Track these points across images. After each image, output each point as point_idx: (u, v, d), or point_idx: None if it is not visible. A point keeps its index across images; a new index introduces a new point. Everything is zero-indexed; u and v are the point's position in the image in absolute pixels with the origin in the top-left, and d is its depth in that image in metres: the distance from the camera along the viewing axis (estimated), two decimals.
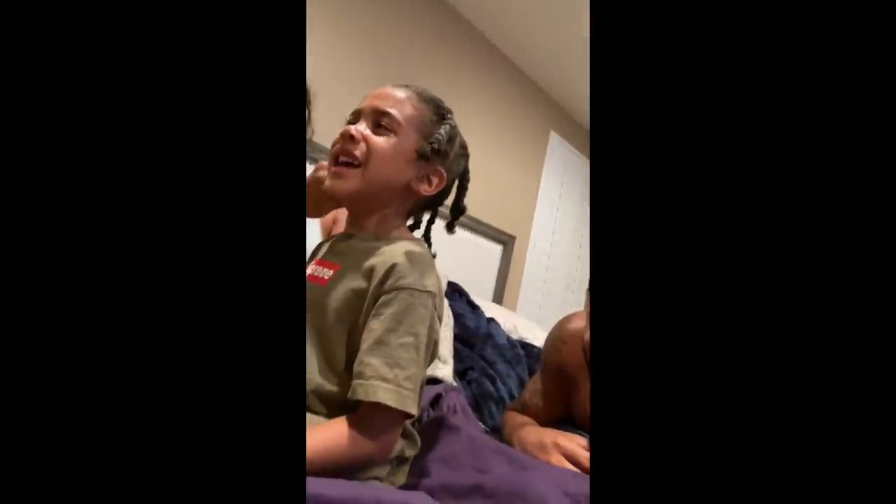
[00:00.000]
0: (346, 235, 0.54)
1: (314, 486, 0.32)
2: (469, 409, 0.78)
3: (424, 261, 0.47)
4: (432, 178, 0.52)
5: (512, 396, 0.97)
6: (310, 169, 0.58)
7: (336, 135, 0.51)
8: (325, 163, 0.53)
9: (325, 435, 0.41)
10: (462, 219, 0.60)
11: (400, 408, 0.41)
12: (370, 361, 0.42)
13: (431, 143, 0.51)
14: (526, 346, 1.26)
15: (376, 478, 0.47)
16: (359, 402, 0.43)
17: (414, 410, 0.42)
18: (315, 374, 0.47)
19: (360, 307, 0.46)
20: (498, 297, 2.18)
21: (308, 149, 0.96)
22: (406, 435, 0.52)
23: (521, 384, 1.03)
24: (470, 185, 0.59)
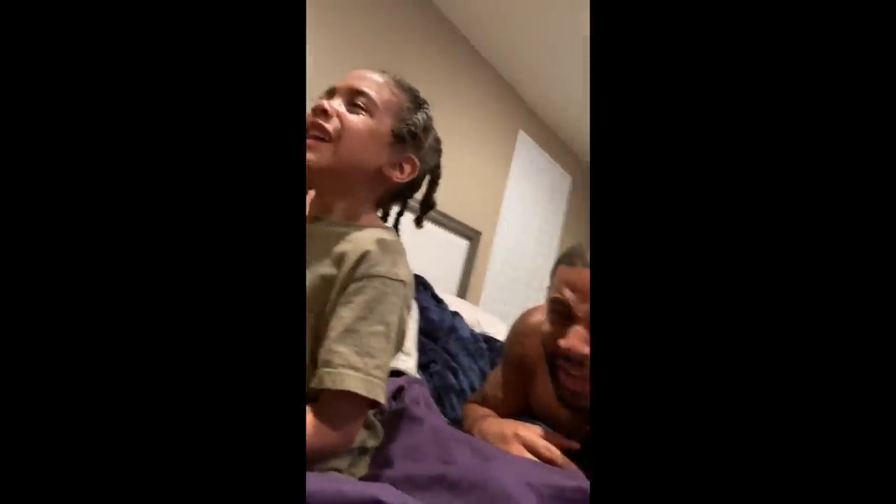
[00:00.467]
0: (313, 218, 0.52)
1: None
2: (432, 401, 0.78)
3: (397, 249, 0.46)
4: (405, 166, 0.51)
5: (473, 389, 0.98)
6: None
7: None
8: None
9: None
10: (430, 212, 0.59)
11: (369, 396, 0.40)
12: (339, 350, 0.41)
13: (409, 125, 0.50)
14: (489, 341, 1.28)
15: (336, 469, 0.46)
16: (322, 391, 0.41)
17: (382, 399, 0.41)
18: None
19: (328, 294, 0.45)
20: (462, 292, 2.19)
21: None
22: (368, 426, 0.51)
23: (483, 377, 1.05)
24: (439, 180, 0.59)
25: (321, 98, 0.50)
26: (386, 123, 0.50)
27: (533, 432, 0.59)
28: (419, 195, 0.59)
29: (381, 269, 0.43)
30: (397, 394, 0.77)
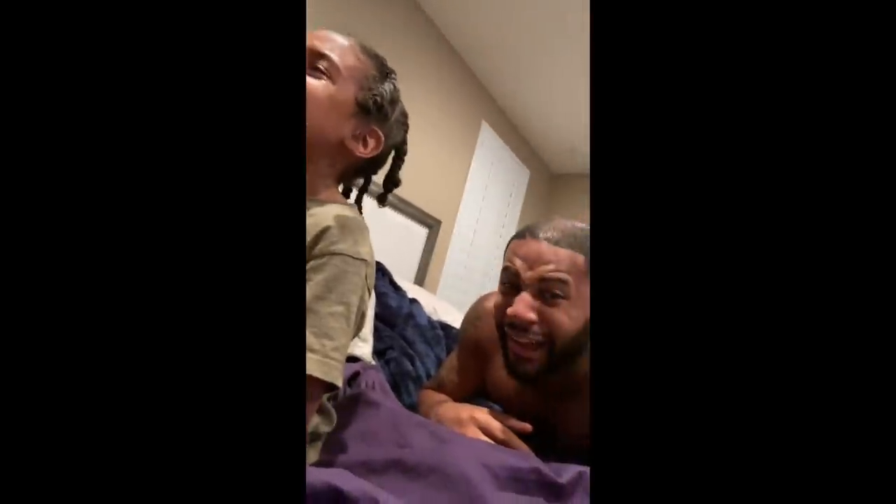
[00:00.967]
0: None
1: None
2: (388, 387, 0.77)
3: (359, 227, 0.44)
4: (369, 140, 0.49)
5: (430, 376, 0.97)
6: None
7: None
8: None
9: None
10: (390, 198, 0.57)
11: (326, 379, 0.38)
12: None
13: (374, 95, 0.47)
14: (445, 328, 1.28)
15: None
16: None
17: (339, 382, 0.39)
18: None
19: None
20: (420, 279, 2.18)
21: None
22: (322, 410, 0.50)
23: (439, 364, 1.05)
24: (405, 156, 0.56)
25: None
26: (349, 91, 0.46)
27: (488, 415, 0.60)
28: (383, 172, 0.56)
29: (341, 247, 0.41)
30: (352, 379, 0.75)
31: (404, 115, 0.54)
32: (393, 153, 0.55)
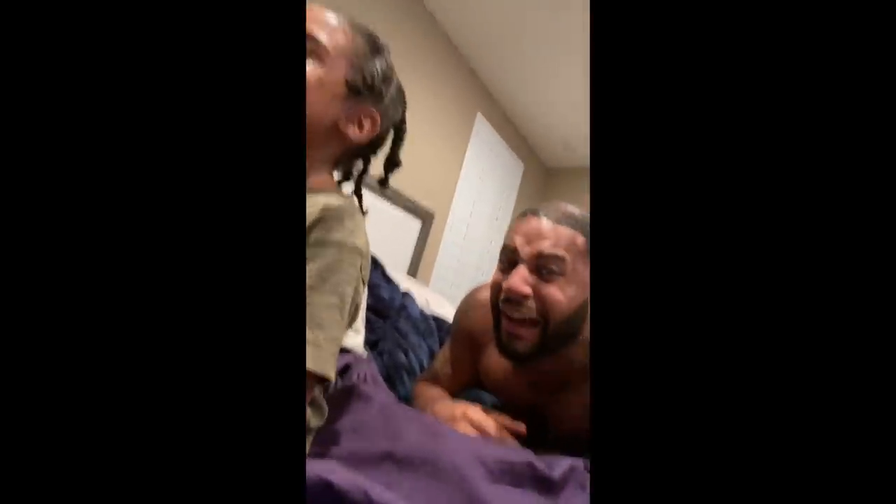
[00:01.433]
0: None
1: None
2: (380, 379, 0.76)
3: (354, 217, 0.43)
4: (364, 121, 0.46)
5: (423, 368, 0.97)
6: None
7: None
8: None
9: None
10: (384, 189, 0.55)
11: (318, 371, 0.37)
12: None
13: (364, 74, 0.45)
14: (438, 320, 1.28)
15: None
16: None
17: (332, 374, 0.39)
18: None
19: None
20: (413, 271, 2.18)
21: None
22: (313, 404, 0.49)
23: (432, 356, 1.05)
24: (404, 135, 0.53)
25: None
26: (339, 72, 0.44)
27: (481, 413, 0.60)
28: (383, 155, 0.54)
29: (336, 236, 0.40)
30: (344, 371, 0.75)
31: (401, 91, 0.51)
32: (392, 132, 0.53)
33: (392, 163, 0.54)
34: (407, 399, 0.79)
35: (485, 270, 2.78)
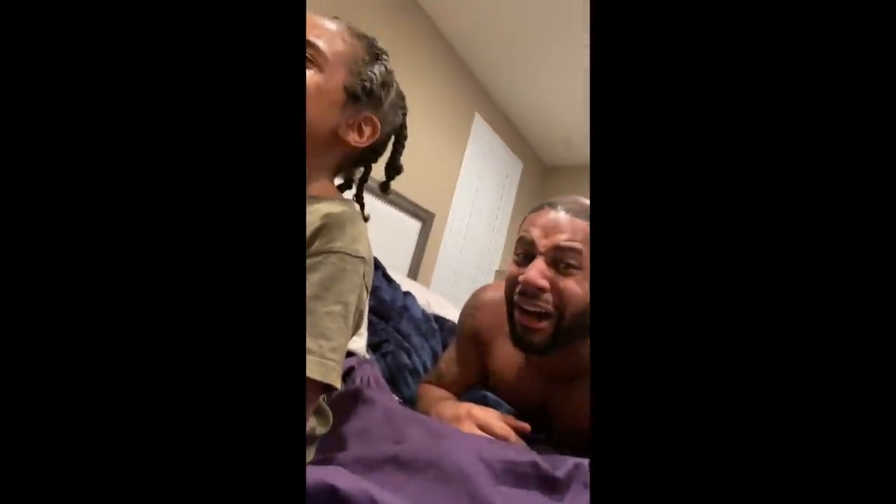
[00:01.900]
0: None
1: None
2: (383, 381, 0.76)
3: (357, 224, 0.43)
4: (364, 127, 0.46)
5: (426, 369, 0.97)
6: None
7: None
8: None
9: None
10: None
11: (324, 380, 0.37)
12: None
13: (363, 81, 0.45)
14: (439, 321, 1.28)
15: None
16: None
17: (338, 383, 0.39)
18: None
19: None
20: (413, 273, 2.18)
21: None
22: (318, 412, 0.49)
23: (435, 357, 1.05)
24: (405, 140, 0.54)
25: None
26: (338, 79, 0.44)
27: (487, 413, 0.60)
28: (383, 160, 0.54)
29: (338, 245, 0.40)
30: (347, 375, 0.75)
31: (401, 97, 0.51)
32: (392, 138, 0.53)
33: (393, 168, 0.54)
34: (411, 400, 0.79)
35: (485, 269, 2.78)
